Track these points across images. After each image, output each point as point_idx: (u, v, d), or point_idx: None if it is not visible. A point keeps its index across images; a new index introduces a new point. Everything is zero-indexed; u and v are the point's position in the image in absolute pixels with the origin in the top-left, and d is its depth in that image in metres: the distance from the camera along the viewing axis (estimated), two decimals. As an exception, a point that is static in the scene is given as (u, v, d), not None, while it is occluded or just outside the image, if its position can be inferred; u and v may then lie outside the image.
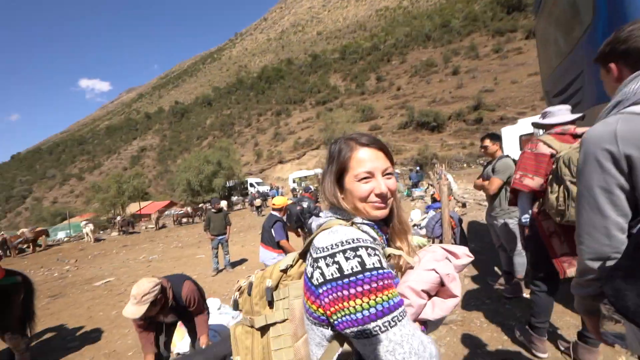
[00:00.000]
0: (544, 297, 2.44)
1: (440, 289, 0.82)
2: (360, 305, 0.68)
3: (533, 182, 2.35)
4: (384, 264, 0.74)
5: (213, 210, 7.44)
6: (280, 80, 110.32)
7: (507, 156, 3.62)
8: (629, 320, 0.77)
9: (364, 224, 0.86)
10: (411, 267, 0.86)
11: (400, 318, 0.68)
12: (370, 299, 0.68)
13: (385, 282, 0.70)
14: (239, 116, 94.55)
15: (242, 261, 8.31)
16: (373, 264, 0.71)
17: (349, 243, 0.73)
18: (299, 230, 5.72)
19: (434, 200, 6.64)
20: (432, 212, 5.46)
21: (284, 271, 0.91)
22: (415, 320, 0.78)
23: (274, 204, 4.63)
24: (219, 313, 3.74)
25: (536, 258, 2.46)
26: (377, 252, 0.74)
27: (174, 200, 35.63)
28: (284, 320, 0.89)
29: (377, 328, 0.67)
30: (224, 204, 24.51)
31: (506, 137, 9.52)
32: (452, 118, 42.15)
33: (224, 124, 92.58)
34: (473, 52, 62.61)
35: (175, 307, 2.60)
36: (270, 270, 0.96)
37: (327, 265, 0.73)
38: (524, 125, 9.45)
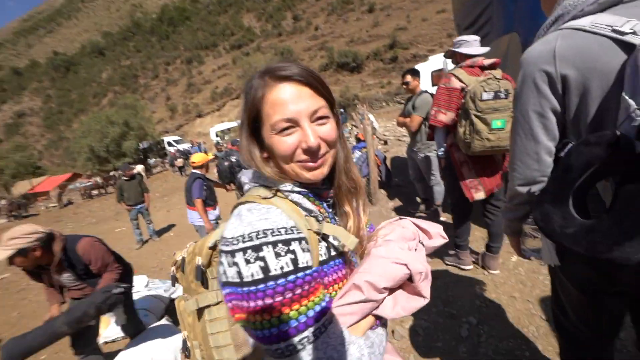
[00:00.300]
0: (463, 220, 2.73)
1: (406, 283, 0.68)
2: (260, 322, 0.53)
3: (446, 117, 2.44)
4: (304, 262, 0.57)
5: (124, 177, 6.56)
6: (185, 22, 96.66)
7: (426, 91, 3.73)
8: (554, 242, 0.79)
9: (293, 191, 0.67)
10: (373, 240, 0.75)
11: (312, 339, 0.54)
12: (272, 316, 0.53)
13: (298, 292, 0.54)
14: (142, 67, 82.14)
15: (169, 227, 7.75)
16: (282, 268, 0.54)
17: (251, 239, 0.55)
18: (230, 185, 5.50)
19: (358, 140, 6.78)
20: (357, 153, 5.59)
21: (213, 248, 0.79)
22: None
23: (193, 162, 4.36)
24: (148, 290, 3.44)
25: (452, 186, 2.67)
26: (292, 248, 0.56)
27: (77, 171, 30.85)
28: (217, 303, 0.79)
29: (279, 352, 0.53)
30: (140, 168, 22.20)
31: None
32: (370, 58, 42.78)
33: (125, 77, 79.87)
34: (387, -12, 62.15)
35: (70, 265, 2.28)
36: (200, 246, 0.83)
37: (228, 264, 0.56)
38: (435, 62, 9.99)
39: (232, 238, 0.56)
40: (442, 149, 2.66)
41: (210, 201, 4.26)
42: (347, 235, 0.68)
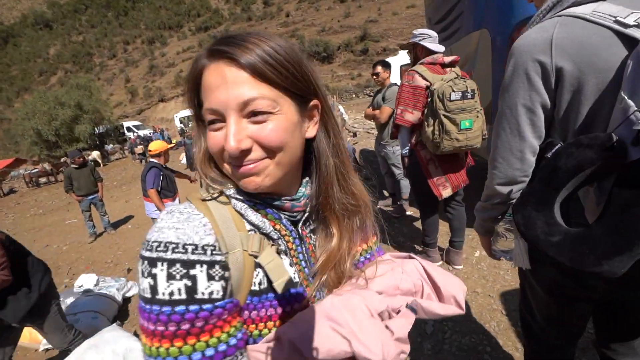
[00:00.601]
0: (429, 219, 2.73)
1: None
2: (149, 348, 0.43)
3: (413, 116, 2.40)
4: (205, 293, 0.45)
5: (74, 165, 5.97)
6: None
7: (395, 84, 3.69)
8: (537, 249, 0.74)
9: (235, 197, 0.54)
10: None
11: None
12: (153, 345, 0.43)
13: (185, 327, 0.43)
14: (97, 44, 75.88)
15: (127, 219, 7.25)
16: (170, 294, 0.43)
17: (151, 249, 0.45)
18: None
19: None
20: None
21: None
22: None
23: (150, 150, 4.09)
24: (98, 289, 3.15)
25: (418, 185, 2.65)
26: (192, 273, 0.45)
27: (21, 156, 28.08)
28: None
29: None
30: (96, 154, 20.71)
31: (390, 67, 10.09)
32: (341, 48, 42.68)
33: (77, 55, 73.38)
34: (358, -22, 61.84)
35: None
36: None
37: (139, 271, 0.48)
38: (404, 56, 10.09)
39: (145, 243, 0.47)
40: (407, 148, 2.63)
41: (167, 192, 4.00)
42: (280, 272, 0.52)
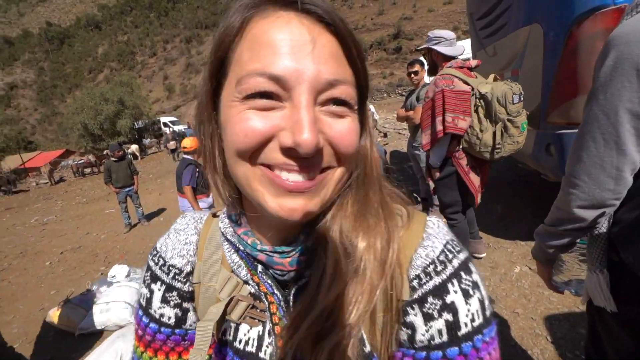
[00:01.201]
0: (463, 225, 2.57)
1: None
2: (135, 347, 0.47)
3: (465, 123, 2.21)
4: (156, 312, 0.45)
5: (113, 158, 6.29)
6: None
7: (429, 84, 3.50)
8: None
9: (227, 236, 0.44)
10: None
11: None
12: (135, 346, 0.47)
13: (146, 338, 0.45)
14: (139, 43, 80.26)
15: (160, 211, 7.54)
16: (140, 299, 0.46)
17: (150, 254, 0.48)
18: None
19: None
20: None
21: None
22: None
23: (184, 147, 4.08)
24: (129, 280, 3.26)
25: (450, 196, 2.48)
26: (152, 287, 0.45)
27: (70, 148, 30.33)
28: None
29: None
30: (134, 148, 21.87)
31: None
32: (374, 47, 42.06)
33: (122, 54, 78.07)
34: (394, -25, 60.65)
35: None
36: None
37: None
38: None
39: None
40: (440, 160, 2.43)
41: (202, 188, 4.03)
42: (201, 345, 0.41)
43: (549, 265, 0.97)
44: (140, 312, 0.45)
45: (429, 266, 0.38)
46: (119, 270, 3.38)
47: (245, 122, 0.32)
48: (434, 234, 0.40)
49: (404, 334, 0.39)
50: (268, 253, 0.40)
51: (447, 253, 0.39)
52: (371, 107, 8.08)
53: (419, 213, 0.44)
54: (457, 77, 2.20)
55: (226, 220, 0.44)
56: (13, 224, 9.28)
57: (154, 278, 0.45)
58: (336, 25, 0.34)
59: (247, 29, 0.33)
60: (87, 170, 19.68)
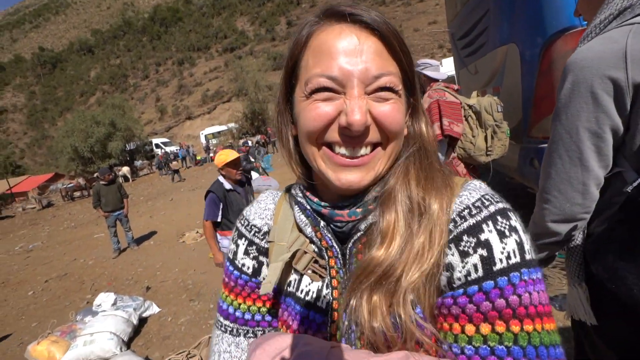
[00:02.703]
0: None
1: None
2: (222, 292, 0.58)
3: (459, 128, 2.39)
4: (240, 263, 0.55)
5: (103, 182, 6.20)
6: (178, 22, 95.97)
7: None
8: (632, 306, 0.60)
9: (297, 197, 0.52)
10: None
11: (225, 329, 0.55)
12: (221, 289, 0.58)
13: (228, 283, 0.56)
14: (132, 66, 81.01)
15: (150, 235, 7.39)
16: (228, 252, 0.58)
17: (239, 218, 0.60)
18: None
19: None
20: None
21: None
22: None
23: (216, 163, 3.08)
24: (115, 309, 3.14)
25: None
26: (238, 242, 0.57)
27: (59, 171, 29.91)
28: None
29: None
30: (126, 170, 21.68)
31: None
32: (364, 65, 43.20)
33: (114, 77, 78.58)
34: (380, -3, 62.98)
35: None
36: None
37: None
38: (449, 64, 9.96)
39: None
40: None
41: (229, 222, 2.91)
42: (271, 277, 0.49)
43: None
44: (228, 264, 0.56)
45: (464, 210, 0.42)
46: (105, 299, 3.27)
47: (315, 110, 0.42)
48: (472, 189, 0.45)
49: (444, 279, 0.41)
50: (329, 207, 0.48)
51: (484, 201, 0.43)
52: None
53: (463, 178, 0.49)
54: (447, 91, 2.43)
55: (297, 189, 0.53)
56: (-3, 251, 9.00)
57: (240, 235, 0.56)
58: (380, 29, 0.42)
59: (310, 40, 0.44)
60: (77, 193, 19.38)
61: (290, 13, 74.76)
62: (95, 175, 21.77)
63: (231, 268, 0.55)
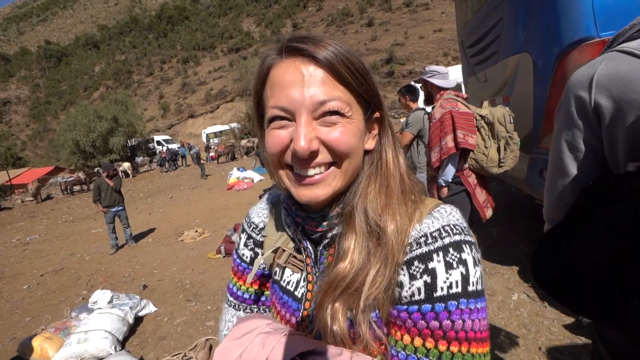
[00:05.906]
0: None
1: None
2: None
3: (473, 140, 2.35)
4: (242, 253, 0.67)
5: (106, 178, 6.16)
6: (184, 21, 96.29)
7: (422, 109, 3.53)
8: None
9: (283, 203, 0.60)
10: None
11: (228, 306, 0.69)
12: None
13: (234, 267, 0.69)
14: (137, 63, 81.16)
15: (149, 232, 7.34)
16: (236, 242, 0.72)
17: (245, 216, 0.71)
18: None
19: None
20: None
21: None
22: None
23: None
24: (111, 306, 3.09)
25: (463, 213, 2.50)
26: (241, 235, 0.69)
27: (60, 165, 29.86)
28: None
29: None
30: (126, 165, 21.58)
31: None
32: (368, 71, 43.21)
33: (118, 72, 78.68)
34: (387, 4, 63.29)
35: None
36: None
37: None
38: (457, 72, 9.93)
39: None
40: (450, 177, 2.45)
41: None
42: (254, 269, 0.61)
43: None
44: (234, 252, 0.69)
45: (421, 238, 0.46)
46: (101, 296, 3.22)
47: (272, 137, 0.48)
48: (437, 216, 0.47)
49: (396, 292, 0.46)
50: (303, 217, 0.54)
51: (442, 231, 0.46)
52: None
53: (434, 200, 0.52)
54: (459, 102, 2.39)
55: (287, 195, 0.58)
56: (-7, 243, 8.93)
57: (243, 230, 0.68)
58: (325, 58, 0.45)
59: (268, 75, 0.49)
60: (77, 187, 19.30)
61: (297, 16, 75.06)
62: (95, 169, 21.75)
63: (235, 256, 0.68)
